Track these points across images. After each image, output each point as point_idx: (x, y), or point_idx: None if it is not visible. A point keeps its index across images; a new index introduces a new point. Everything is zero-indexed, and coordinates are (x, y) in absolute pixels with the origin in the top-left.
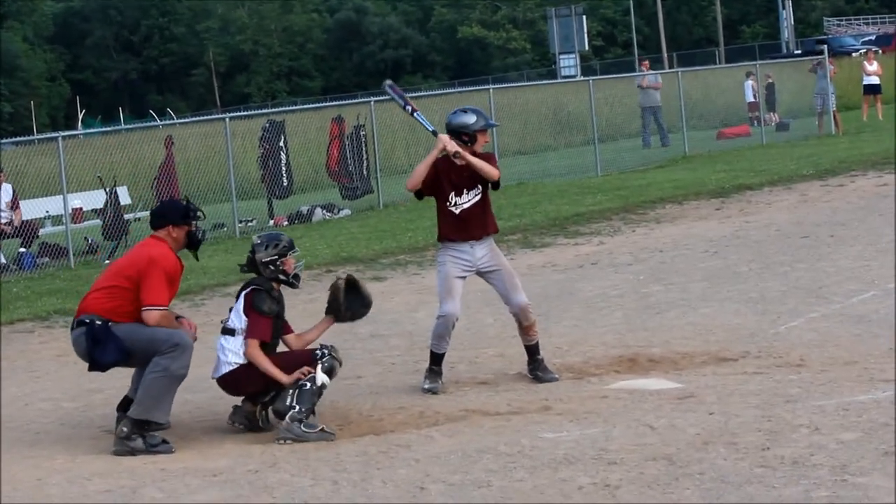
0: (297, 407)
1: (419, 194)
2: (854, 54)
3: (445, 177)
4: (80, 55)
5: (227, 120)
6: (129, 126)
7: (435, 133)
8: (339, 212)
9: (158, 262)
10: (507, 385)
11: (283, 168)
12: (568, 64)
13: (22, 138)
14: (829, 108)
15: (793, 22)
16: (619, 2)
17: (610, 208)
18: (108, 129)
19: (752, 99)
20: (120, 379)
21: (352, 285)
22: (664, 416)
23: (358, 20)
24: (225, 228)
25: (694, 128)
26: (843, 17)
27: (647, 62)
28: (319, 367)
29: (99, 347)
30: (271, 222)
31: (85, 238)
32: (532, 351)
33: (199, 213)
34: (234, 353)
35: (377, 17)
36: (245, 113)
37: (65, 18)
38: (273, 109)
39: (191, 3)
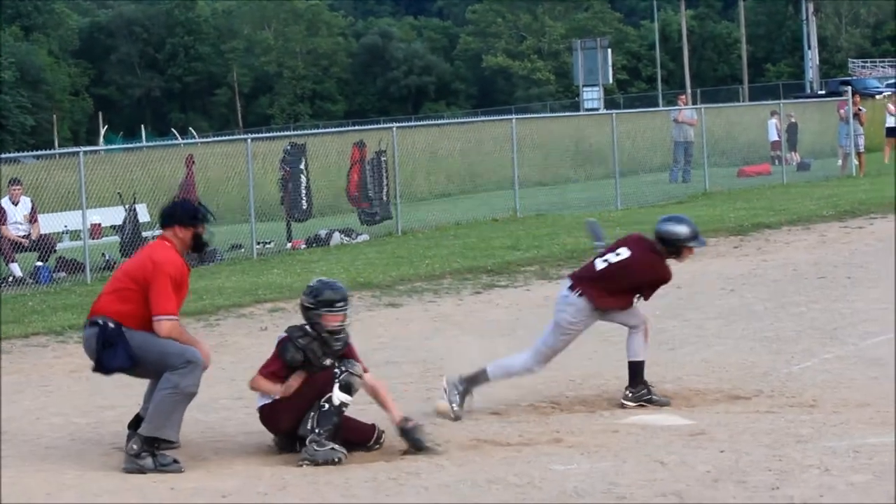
0: (318, 430)
1: None
2: (878, 97)
3: None
4: (105, 70)
5: (249, 141)
6: (150, 143)
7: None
8: (357, 237)
9: (163, 268)
10: (518, 416)
11: (303, 191)
12: (591, 97)
13: (43, 152)
14: (859, 149)
15: (818, 62)
16: (645, 36)
17: None
18: (130, 145)
19: (775, 137)
20: (131, 396)
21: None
22: (675, 453)
23: (383, 45)
24: (243, 249)
25: (715, 165)
26: (868, 59)
27: (684, 97)
28: (336, 385)
29: (108, 351)
30: (289, 245)
31: (102, 254)
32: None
33: (208, 216)
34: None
35: (402, 42)
36: (267, 135)
37: (90, 33)
38: (295, 132)
39: (217, 23)
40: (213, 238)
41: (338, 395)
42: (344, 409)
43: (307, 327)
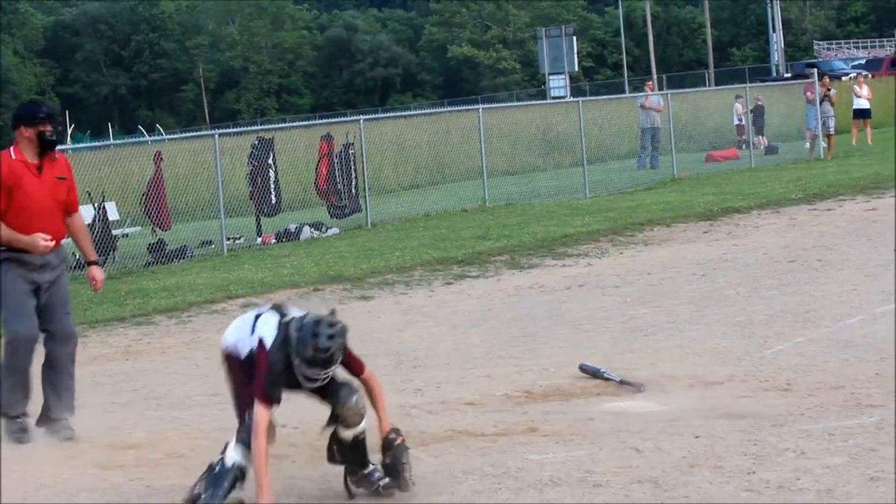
0: (204, 495)
1: None
2: (844, 78)
3: None
4: (70, 69)
5: (217, 136)
6: (118, 141)
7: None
8: (327, 230)
9: None
10: (493, 406)
11: (272, 185)
12: (557, 84)
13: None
14: (829, 131)
15: (783, 45)
16: (610, 23)
17: (598, 230)
18: (98, 144)
19: (736, 122)
20: (106, 394)
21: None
22: (650, 439)
23: (348, 38)
24: (213, 245)
25: (683, 150)
26: (833, 41)
27: (650, 82)
28: (232, 441)
29: None
30: (259, 240)
31: (73, 254)
32: None
33: (52, 115)
34: None
35: (367, 34)
36: (234, 130)
37: (55, 32)
38: (262, 126)
39: (181, 19)
40: (53, 136)
41: (232, 457)
42: (240, 473)
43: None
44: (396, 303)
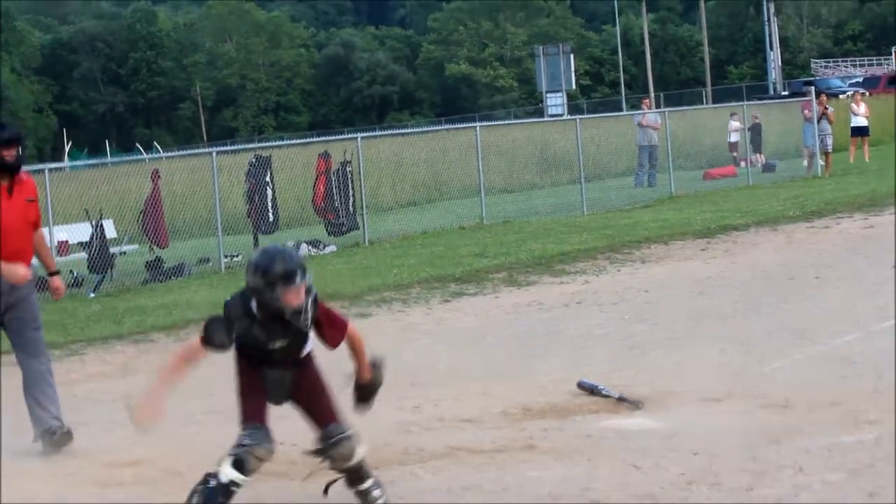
0: None
1: None
2: (841, 96)
3: None
4: (68, 87)
5: (214, 154)
6: (115, 159)
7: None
8: (324, 248)
9: None
10: (491, 422)
11: (269, 203)
12: (555, 102)
13: None
14: (827, 149)
15: (780, 63)
16: (607, 41)
17: (596, 247)
18: (95, 161)
19: (733, 139)
20: (103, 412)
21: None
22: (648, 456)
23: (346, 56)
24: (210, 263)
25: (680, 168)
26: (831, 59)
27: (647, 100)
28: (228, 460)
29: None
30: None
31: (70, 271)
32: None
33: (12, 140)
34: None
35: (365, 52)
36: (232, 147)
37: (53, 50)
38: (260, 144)
39: (178, 37)
40: (21, 161)
41: (227, 473)
42: (234, 489)
43: (251, 304)
44: (394, 320)
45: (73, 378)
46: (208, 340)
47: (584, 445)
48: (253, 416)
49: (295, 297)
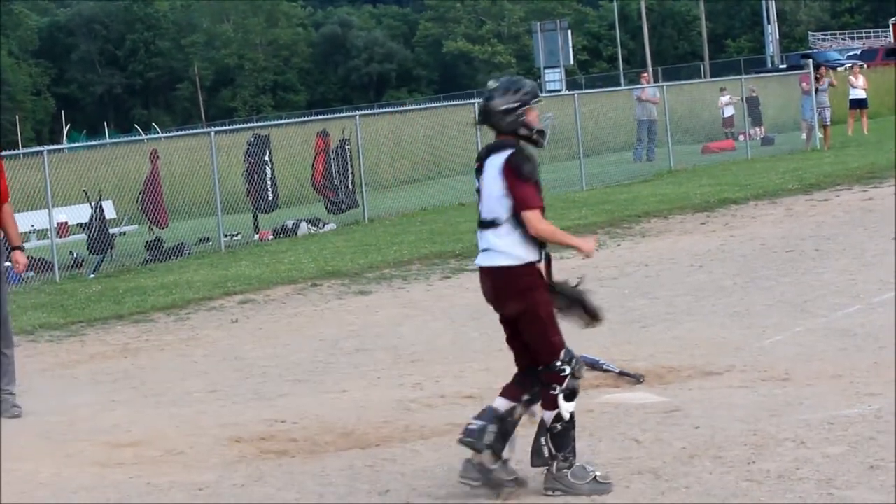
0: (560, 455)
1: None
2: (839, 69)
3: None
4: (66, 69)
5: (213, 134)
6: (114, 140)
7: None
8: (324, 226)
9: None
10: (492, 399)
11: (269, 182)
12: (553, 78)
13: (7, 152)
14: (825, 122)
15: (778, 37)
16: (605, 16)
17: (595, 222)
18: (94, 143)
19: (727, 115)
20: (105, 393)
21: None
22: (650, 430)
23: (343, 34)
24: (210, 242)
25: (679, 142)
26: (829, 32)
27: (646, 74)
28: (561, 396)
29: None
30: (256, 236)
31: (70, 252)
32: None
33: None
34: (508, 250)
35: (362, 31)
36: (230, 127)
37: (50, 32)
38: (258, 123)
39: (176, 18)
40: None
41: (566, 409)
42: (574, 419)
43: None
44: (394, 297)
45: (73, 359)
46: (536, 182)
47: (585, 420)
48: (563, 342)
49: (535, 116)
